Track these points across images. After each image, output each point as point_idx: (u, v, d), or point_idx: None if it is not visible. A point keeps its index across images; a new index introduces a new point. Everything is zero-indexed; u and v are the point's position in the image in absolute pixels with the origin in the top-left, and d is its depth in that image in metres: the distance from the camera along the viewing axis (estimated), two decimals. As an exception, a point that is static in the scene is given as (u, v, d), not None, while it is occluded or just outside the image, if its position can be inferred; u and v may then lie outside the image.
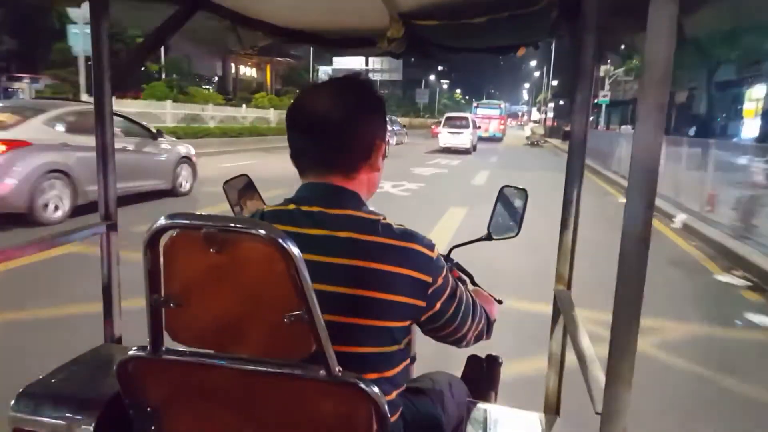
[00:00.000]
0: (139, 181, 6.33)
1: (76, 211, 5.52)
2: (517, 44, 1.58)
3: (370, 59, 22.18)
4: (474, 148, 21.41)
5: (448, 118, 21.92)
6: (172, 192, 7.14)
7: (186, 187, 7.47)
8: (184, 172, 7.42)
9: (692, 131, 17.71)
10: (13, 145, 4.99)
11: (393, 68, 24.75)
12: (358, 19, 1.55)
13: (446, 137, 20.80)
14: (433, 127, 31.31)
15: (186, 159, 7.44)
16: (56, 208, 5.40)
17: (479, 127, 25.93)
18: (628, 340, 0.64)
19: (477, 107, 35.16)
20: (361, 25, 1.61)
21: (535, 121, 48.64)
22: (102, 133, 1.35)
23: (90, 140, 3.70)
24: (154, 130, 7.02)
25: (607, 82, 24.47)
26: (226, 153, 14.33)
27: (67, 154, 5.46)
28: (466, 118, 21.97)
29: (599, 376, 0.79)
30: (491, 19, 1.29)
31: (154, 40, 1.45)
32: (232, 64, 38.21)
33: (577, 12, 1.20)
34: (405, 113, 45.04)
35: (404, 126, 28.99)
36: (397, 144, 23.11)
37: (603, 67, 24.57)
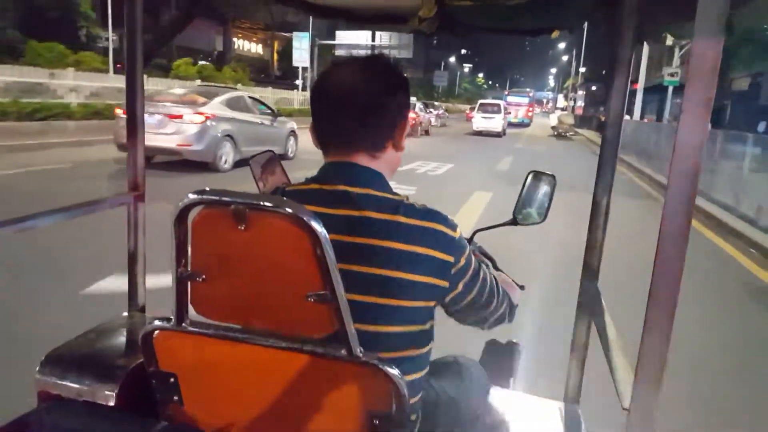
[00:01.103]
0: (267, 146, 9.09)
1: (236, 164, 8.17)
2: (552, 27, 1.64)
3: (378, 34, 22.62)
4: (504, 132, 24.04)
5: (481, 104, 25.02)
6: (284, 156, 9.60)
7: (291, 153, 10.29)
8: (291, 141, 10.32)
9: (762, 127, 15.46)
10: (207, 117, 7.88)
11: (402, 44, 24.08)
12: None
13: (480, 121, 23.71)
14: (467, 111, 34.97)
15: (292, 132, 10.35)
16: (225, 161, 8.16)
17: (509, 113, 29.27)
18: (661, 339, 0.66)
19: (508, 95, 41.07)
20: (392, 3, 1.67)
21: (562, 109, 46.62)
22: (132, 104, 1.40)
23: (243, 115, 6.50)
24: (276, 110, 10.23)
25: (677, 54, 17.98)
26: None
27: (233, 124, 8.38)
28: (498, 105, 24.86)
29: (627, 371, 0.82)
30: (529, 1, 1.32)
31: (184, 16, 1.57)
32: (235, 40, 36.19)
33: None
34: (421, 97, 43.16)
35: (446, 110, 34.30)
36: (441, 126, 27.31)
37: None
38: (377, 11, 1.83)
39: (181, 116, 7.66)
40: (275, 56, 38.00)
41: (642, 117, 23.56)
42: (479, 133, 23.28)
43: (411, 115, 18.30)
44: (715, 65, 0.61)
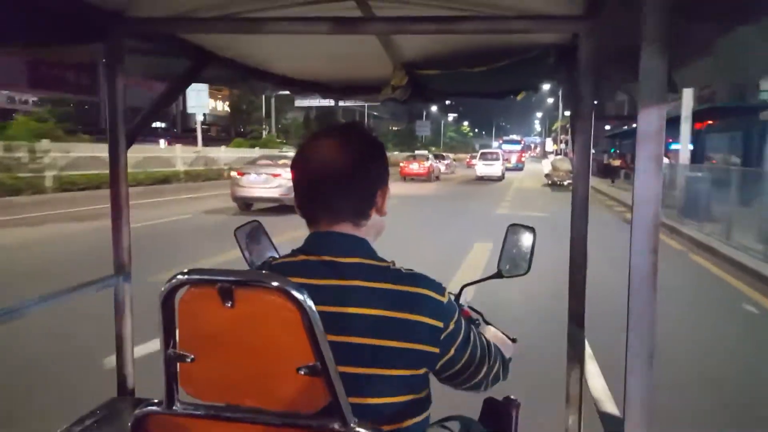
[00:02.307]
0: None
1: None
2: (517, 89, 1.78)
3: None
4: (503, 176, 28.29)
5: (482, 153, 30.47)
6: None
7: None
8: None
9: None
10: (276, 175, 11.19)
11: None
12: (363, 69, 1.77)
13: (482, 168, 28.17)
14: (467, 159, 45.24)
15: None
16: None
17: (507, 159, 35.16)
18: (646, 384, 0.69)
19: (503, 143, 54.17)
20: (366, 74, 1.83)
21: (555, 153, 44.02)
22: (116, 184, 1.47)
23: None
24: None
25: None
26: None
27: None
28: (497, 153, 30.76)
29: (618, 419, 0.85)
30: (491, 68, 1.47)
31: (167, 95, 1.64)
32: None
33: (573, 58, 1.31)
34: (404, 148, 44.43)
35: (453, 159, 44.41)
36: (450, 173, 34.41)
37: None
38: (351, 83, 1.99)
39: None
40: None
41: (699, 158, 16.42)
42: (481, 179, 27.52)
43: (425, 164, 19.78)
44: (660, 123, 0.69)
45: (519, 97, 1.81)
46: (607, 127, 31.02)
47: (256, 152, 21.39)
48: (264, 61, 1.76)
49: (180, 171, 19.50)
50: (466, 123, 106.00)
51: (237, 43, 1.58)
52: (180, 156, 20.33)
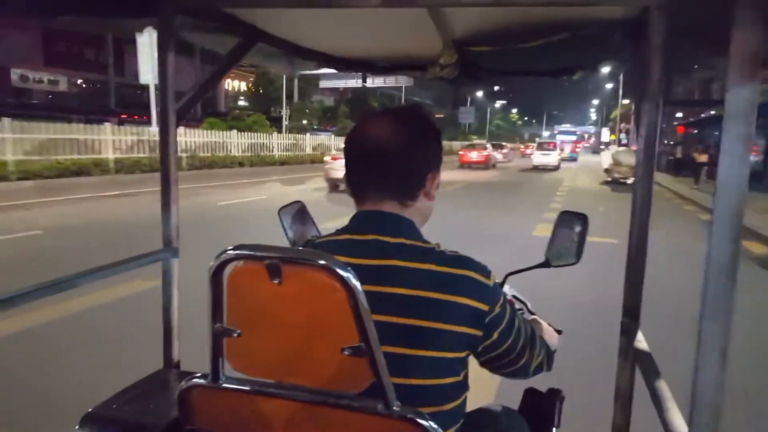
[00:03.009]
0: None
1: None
2: (573, 68, 1.72)
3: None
4: (559, 166, 30.25)
5: (539, 143, 33.42)
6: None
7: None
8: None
9: None
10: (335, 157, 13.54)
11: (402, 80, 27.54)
12: (410, 46, 1.75)
13: (538, 157, 30.27)
14: (521, 148, 51.67)
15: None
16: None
17: (562, 149, 37.61)
18: (715, 384, 0.67)
19: (557, 133, 57.08)
20: (414, 52, 1.81)
21: (617, 144, 40.75)
22: (166, 160, 1.55)
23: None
24: None
25: None
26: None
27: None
28: (554, 143, 33.37)
29: (678, 420, 0.83)
30: (547, 43, 1.43)
31: (218, 72, 1.69)
32: (229, 81, 37.79)
33: (642, 34, 1.24)
34: (445, 137, 44.00)
35: (512, 148, 49.26)
36: (508, 161, 37.26)
37: None
38: (398, 60, 1.99)
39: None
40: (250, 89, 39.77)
41: None
42: (536, 168, 29.14)
43: (484, 152, 21.27)
44: (751, 101, 0.65)
45: (576, 77, 1.76)
46: (678, 114, 28.08)
47: (233, 135, 21.39)
48: (311, 39, 1.79)
49: (110, 159, 15.82)
50: (514, 111, 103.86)
51: (285, 21, 1.60)
52: (110, 139, 16.07)
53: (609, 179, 19.44)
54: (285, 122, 31.41)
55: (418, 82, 26.63)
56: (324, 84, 36.97)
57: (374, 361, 0.74)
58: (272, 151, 24.64)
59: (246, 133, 23.02)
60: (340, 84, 34.65)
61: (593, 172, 25.50)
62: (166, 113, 1.53)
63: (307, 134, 29.65)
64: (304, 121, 37.44)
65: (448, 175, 20.09)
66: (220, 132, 21.50)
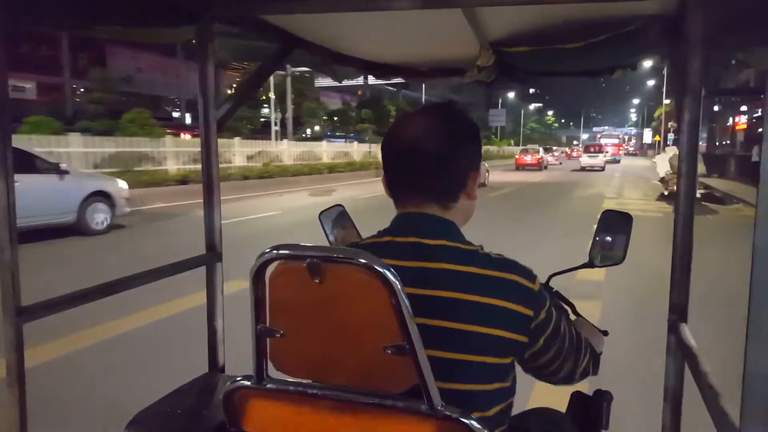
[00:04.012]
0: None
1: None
2: (612, 67, 1.72)
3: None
4: (604, 167, 34.28)
5: (586, 146, 41.20)
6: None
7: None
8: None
9: None
10: None
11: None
12: (447, 50, 1.78)
13: (585, 159, 35.46)
14: (568, 151, 62.44)
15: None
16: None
17: (607, 152, 44.07)
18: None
19: (601, 137, 63.73)
20: (450, 55, 1.84)
21: (669, 143, 34.45)
22: (208, 167, 1.60)
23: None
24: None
25: None
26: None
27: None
28: (600, 146, 42.18)
29: (732, 414, 0.81)
30: (587, 44, 1.43)
31: (256, 79, 1.74)
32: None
33: (680, 29, 1.24)
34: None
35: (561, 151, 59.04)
36: (558, 164, 44.14)
37: None
38: (435, 64, 2.00)
39: None
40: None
41: None
42: (583, 169, 33.78)
43: (537, 156, 23.73)
44: None
45: (615, 75, 1.76)
46: (743, 108, 25.54)
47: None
48: (347, 46, 1.83)
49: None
50: (550, 113, 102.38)
51: (321, 27, 1.65)
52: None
53: (666, 192, 14.59)
54: (275, 127, 27.67)
55: (445, 85, 26.59)
56: (320, 83, 35.74)
57: (417, 361, 0.75)
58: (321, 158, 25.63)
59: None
60: (337, 83, 33.26)
61: (641, 181, 22.37)
62: (208, 122, 1.58)
63: (324, 141, 29.11)
64: (317, 128, 35.71)
65: (505, 176, 24.95)
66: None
